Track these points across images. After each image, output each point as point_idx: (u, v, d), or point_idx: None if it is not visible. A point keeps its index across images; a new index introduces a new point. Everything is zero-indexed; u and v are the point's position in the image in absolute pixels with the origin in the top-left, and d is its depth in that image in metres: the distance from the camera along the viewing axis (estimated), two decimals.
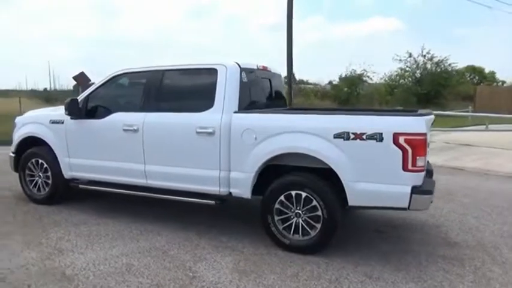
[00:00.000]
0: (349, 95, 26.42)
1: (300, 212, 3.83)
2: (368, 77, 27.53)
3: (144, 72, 4.68)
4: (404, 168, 3.41)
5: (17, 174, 5.52)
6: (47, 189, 5.28)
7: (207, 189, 4.23)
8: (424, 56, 25.43)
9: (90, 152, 4.86)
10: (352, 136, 3.55)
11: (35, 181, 5.36)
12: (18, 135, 5.44)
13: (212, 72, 4.24)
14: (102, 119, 4.73)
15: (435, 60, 25.53)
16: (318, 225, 3.75)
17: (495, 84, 40.08)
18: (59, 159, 5.08)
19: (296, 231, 3.86)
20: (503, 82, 41.71)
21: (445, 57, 25.25)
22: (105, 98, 4.89)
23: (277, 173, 4.00)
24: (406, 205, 3.47)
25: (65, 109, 4.75)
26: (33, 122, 5.35)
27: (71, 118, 4.91)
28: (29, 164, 5.35)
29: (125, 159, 4.62)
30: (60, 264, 3.55)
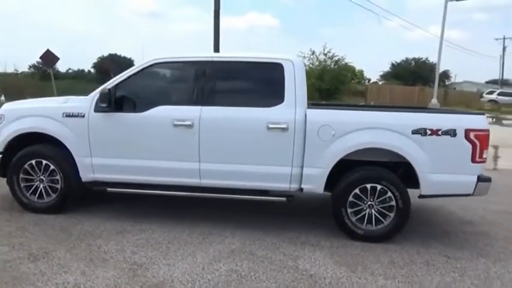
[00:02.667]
0: None
1: (373, 203, 4.06)
2: None
3: (193, 62, 4.28)
4: (473, 160, 3.92)
5: None
6: (53, 195, 4.43)
7: (276, 186, 4.15)
8: (325, 54, 27.90)
9: (123, 151, 4.26)
10: (429, 132, 3.91)
11: (34, 186, 4.45)
12: (9, 131, 4.42)
13: (277, 66, 4.15)
14: (143, 113, 4.19)
15: (335, 58, 28.22)
16: (391, 215, 4.04)
17: (364, 81, 45.82)
18: (76, 160, 4.32)
19: (369, 222, 4.08)
20: (369, 80, 47.77)
21: (342, 57, 28.20)
22: (142, 88, 4.33)
23: (344, 168, 4.15)
24: (471, 192, 3.99)
25: (99, 101, 4.06)
26: (35, 115, 4.41)
27: (96, 111, 4.23)
28: (26, 166, 4.40)
29: (173, 158, 4.19)
30: (159, 280, 3.13)
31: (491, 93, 34.90)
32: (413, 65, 52.36)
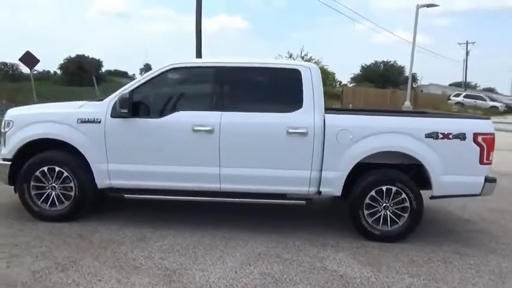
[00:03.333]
0: None
1: (388, 204, 4.22)
2: None
3: (212, 67, 4.31)
4: (481, 161, 4.16)
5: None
6: (66, 202, 4.32)
7: (295, 190, 4.25)
8: (303, 57, 28.27)
9: (141, 156, 4.23)
10: (440, 136, 4.12)
11: (45, 194, 4.33)
12: (19, 138, 4.28)
13: (295, 72, 4.25)
14: (162, 118, 4.18)
15: (312, 61, 28.62)
16: (405, 215, 4.21)
17: (335, 84, 46.76)
18: (91, 166, 4.24)
19: (384, 223, 4.24)
20: (340, 82, 48.80)
21: (319, 60, 28.71)
22: (160, 94, 4.32)
23: (357, 171, 4.29)
24: (479, 192, 4.23)
25: (119, 106, 4.01)
26: (47, 120, 4.29)
27: (113, 116, 4.18)
28: (37, 173, 4.28)
29: (193, 163, 4.20)
30: (197, 286, 3.15)
31: (457, 95, 36.53)
32: (382, 68, 54.12)
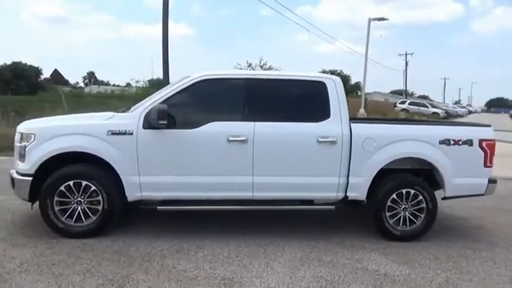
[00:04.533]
0: None
1: (406, 206, 4.57)
2: None
3: (241, 79, 4.42)
4: (485, 165, 4.64)
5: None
6: (93, 217, 4.18)
7: (324, 196, 4.46)
8: (262, 66, 28.68)
9: (174, 167, 4.22)
10: (452, 142, 4.55)
11: (70, 209, 4.16)
12: (44, 152, 4.08)
13: (320, 84, 4.48)
14: (196, 129, 4.20)
15: (273, 69, 29.06)
16: (422, 215, 4.58)
17: None
18: (122, 179, 4.15)
19: (404, 223, 4.57)
20: None
21: (277, 68, 29.20)
22: (190, 105, 4.34)
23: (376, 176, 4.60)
24: (483, 192, 4.71)
25: (158, 117, 3.98)
26: (74, 133, 4.13)
27: (145, 128, 4.13)
28: (62, 187, 4.11)
29: (227, 173, 4.27)
30: None
31: (403, 103, 39.12)
32: None
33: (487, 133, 4.70)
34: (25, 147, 4.12)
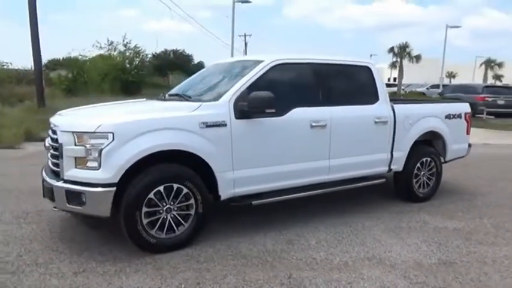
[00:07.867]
0: (74, 82, 23.45)
1: (425, 172, 5.43)
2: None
3: (309, 63, 4.40)
4: (467, 133, 5.87)
5: None
6: (185, 224, 3.61)
7: (378, 171, 4.93)
8: (125, 45, 26.03)
9: (265, 158, 3.97)
10: (452, 116, 5.59)
11: (160, 220, 3.49)
12: (131, 153, 3.25)
13: (367, 69, 4.85)
14: (283, 116, 4.02)
15: (137, 50, 26.72)
16: (433, 178, 5.52)
17: None
18: (216, 176, 3.69)
19: (423, 187, 5.43)
20: None
21: (141, 48, 27.10)
22: (271, 91, 4.05)
23: None
24: (465, 154, 5.96)
25: (266, 106, 3.65)
26: (160, 128, 3.40)
27: (237, 118, 3.76)
28: (151, 195, 3.41)
29: (310, 158, 4.27)
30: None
31: None
32: (171, 56, 55.61)
33: (467, 107, 5.92)
34: (100, 149, 3.22)
